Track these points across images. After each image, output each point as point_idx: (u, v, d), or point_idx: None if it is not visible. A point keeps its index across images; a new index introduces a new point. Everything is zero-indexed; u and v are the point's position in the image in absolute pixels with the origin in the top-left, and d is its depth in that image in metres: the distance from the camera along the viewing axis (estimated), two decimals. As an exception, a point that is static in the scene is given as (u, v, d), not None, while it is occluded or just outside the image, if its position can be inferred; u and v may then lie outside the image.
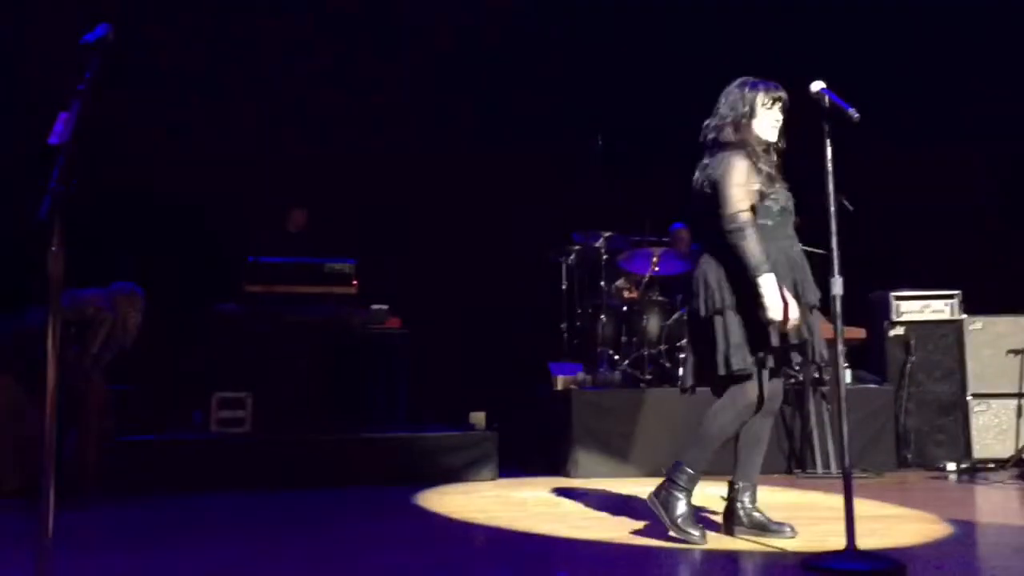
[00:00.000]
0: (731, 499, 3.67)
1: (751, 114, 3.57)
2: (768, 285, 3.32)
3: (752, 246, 3.36)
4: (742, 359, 3.42)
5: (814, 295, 3.50)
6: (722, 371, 3.41)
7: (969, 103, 7.78)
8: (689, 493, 3.55)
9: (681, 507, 3.52)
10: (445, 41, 8.23)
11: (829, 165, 3.19)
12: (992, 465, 6.50)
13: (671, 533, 3.51)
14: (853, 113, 3.20)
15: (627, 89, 8.31)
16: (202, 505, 4.94)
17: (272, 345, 6.40)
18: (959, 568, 3.18)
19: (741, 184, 3.45)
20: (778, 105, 3.60)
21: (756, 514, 3.62)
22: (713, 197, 3.50)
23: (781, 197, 3.53)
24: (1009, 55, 7.73)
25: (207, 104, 7.64)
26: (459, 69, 8.18)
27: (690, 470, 3.55)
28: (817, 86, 3.26)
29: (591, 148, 7.11)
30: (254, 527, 4.28)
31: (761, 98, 3.58)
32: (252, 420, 6.14)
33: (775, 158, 3.60)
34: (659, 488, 3.59)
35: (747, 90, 3.61)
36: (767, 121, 3.58)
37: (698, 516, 3.67)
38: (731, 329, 3.44)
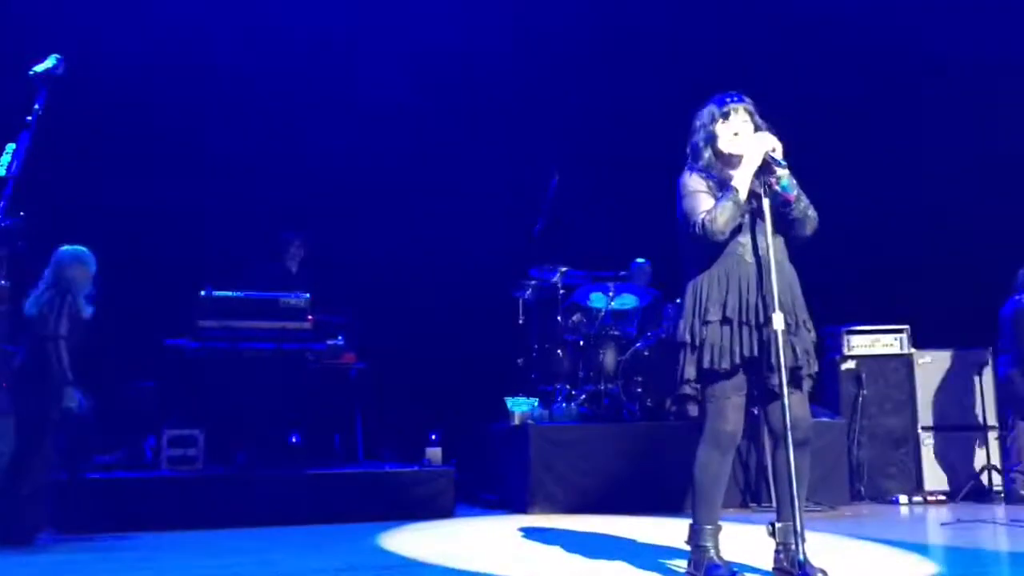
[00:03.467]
0: (775, 540, 3.44)
1: (711, 135, 3.50)
2: (742, 182, 3.31)
3: (721, 213, 3.27)
4: (690, 387, 3.37)
5: (773, 309, 3.25)
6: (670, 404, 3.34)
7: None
8: (715, 544, 3.37)
9: (711, 561, 3.33)
10: (403, 79, 8.27)
11: (766, 208, 3.27)
12: (943, 497, 6.59)
13: None
14: (784, 167, 3.32)
15: (585, 124, 8.42)
16: (152, 543, 4.82)
17: (225, 381, 6.29)
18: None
19: (691, 192, 3.40)
20: (736, 116, 3.47)
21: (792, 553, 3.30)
22: (681, 226, 3.45)
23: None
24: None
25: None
26: (416, 105, 8.21)
27: (707, 526, 3.38)
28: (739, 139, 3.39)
29: (548, 183, 7.14)
30: (206, 568, 4.17)
31: (714, 114, 3.49)
32: (204, 458, 6.03)
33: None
34: (689, 560, 3.43)
35: (703, 111, 3.54)
36: (726, 136, 3.46)
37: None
38: (686, 360, 3.39)
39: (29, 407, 4.82)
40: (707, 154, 3.50)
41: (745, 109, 3.49)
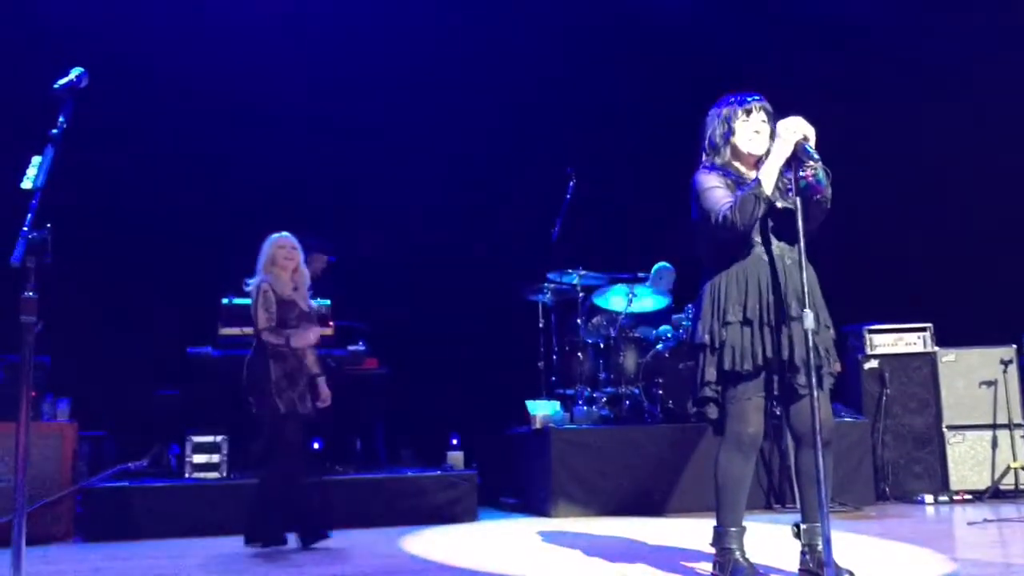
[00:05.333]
0: (800, 541, 3.41)
1: (729, 132, 3.44)
2: (769, 174, 3.24)
3: (744, 204, 3.21)
4: (702, 390, 3.36)
5: (798, 311, 3.22)
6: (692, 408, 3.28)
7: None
8: (740, 546, 3.34)
9: (737, 563, 3.31)
10: (421, 83, 8.30)
11: (799, 205, 3.20)
12: (969, 496, 6.54)
13: None
14: (818, 160, 3.24)
15: (603, 125, 8.42)
16: (176, 552, 4.86)
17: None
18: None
19: (710, 187, 3.34)
20: (756, 115, 3.42)
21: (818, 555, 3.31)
22: (698, 225, 3.41)
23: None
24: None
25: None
26: (434, 110, 8.24)
27: (732, 528, 3.35)
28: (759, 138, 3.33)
29: (566, 183, 7.14)
30: (232, 573, 4.20)
31: (736, 111, 3.44)
32: (227, 465, 6.08)
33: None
34: (714, 562, 3.40)
35: (721, 108, 3.49)
36: (745, 134, 3.41)
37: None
38: (706, 362, 3.36)
39: (272, 406, 4.81)
40: (726, 152, 3.45)
41: (764, 109, 3.44)
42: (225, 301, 6.13)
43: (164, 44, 7.67)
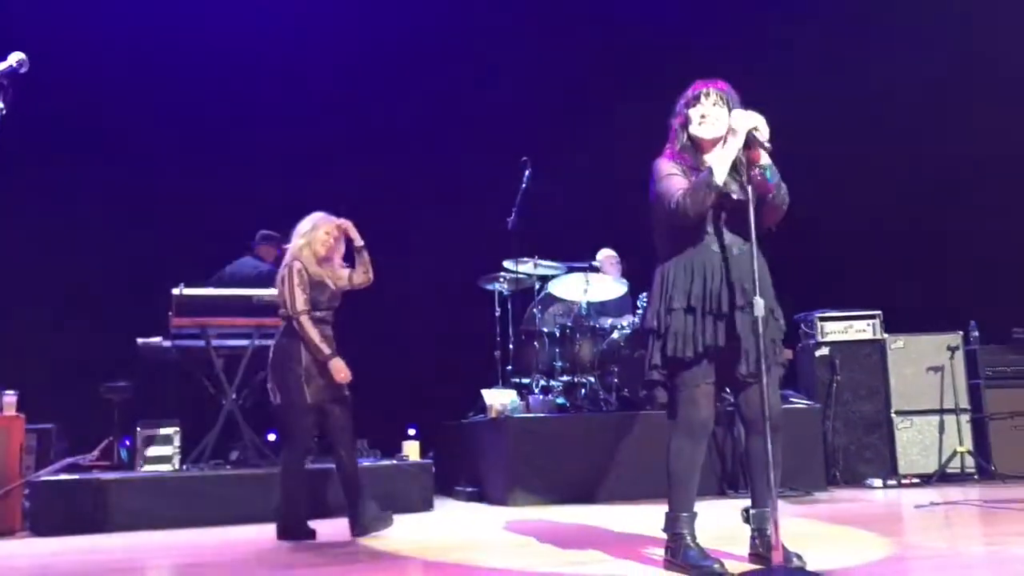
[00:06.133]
0: (750, 525, 3.43)
1: (685, 120, 3.44)
2: (720, 162, 3.22)
3: (695, 193, 3.21)
4: (657, 373, 3.37)
5: (744, 300, 3.24)
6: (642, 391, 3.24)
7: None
8: (691, 531, 3.35)
9: (688, 548, 3.32)
10: (371, 71, 8.24)
11: (750, 193, 3.22)
12: (917, 480, 6.67)
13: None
14: (766, 145, 3.24)
15: (558, 115, 8.43)
16: (126, 544, 4.80)
17: (200, 379, 6.26)
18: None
19: (666, 175, 3.35)
20: (705, 100, 3.41)
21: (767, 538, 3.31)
22: (654, 212, 3.41)
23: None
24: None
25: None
26: (386, 99, 8.19)
27: (683, 513, 3.37)
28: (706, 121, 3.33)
29: (520, 173, 7.12)
30: (183, 567, 4.16)
31: (687, 98, 3.45)
32: (180, 456, 6.02)
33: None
34: (666, 547, 3.41)
35: (683, 96, 3.49)
36: (695, 120, 3.41)
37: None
38: (653, 347, 3.38)
39: (298, 395, 4.69)
40: (683, 138, 3.45)
41: (717, 92, 3.42)
42: (176, 291, 6.03)
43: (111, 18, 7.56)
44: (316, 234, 4.89)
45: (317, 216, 4.96)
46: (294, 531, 4.71)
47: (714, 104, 3.42)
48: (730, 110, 3.39)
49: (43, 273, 7.12)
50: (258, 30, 8.05)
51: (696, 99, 3.44)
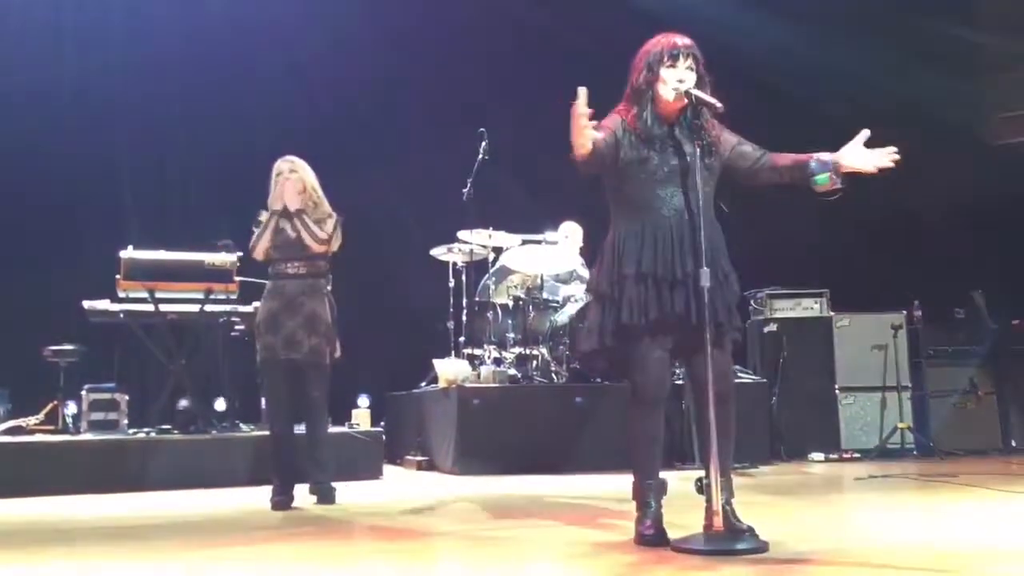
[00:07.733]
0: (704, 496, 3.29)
1: (653, 77, 3.27)
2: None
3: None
4: (595, 341, 3.34)
5: (696, 265, 3.17)
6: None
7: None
8: (656, 499, 3.32)
9: (647, 517, 3.30)
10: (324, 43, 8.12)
11: (698, 163, 3.24)
12: (858, 455, 6.83)
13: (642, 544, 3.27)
14: (717, 104, 3.19)
15: (516, 84, 8.37)
16: (68, 507, 4.75)
17: (147, 343, 6.18)
18: (825, 545, 3.27)
19: (600, 126, 3.24)
20: (684, 62, 3.26)
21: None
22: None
23: (668, 158, 3.27)
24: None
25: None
26: (340, 67, 8.09)
27: (648, 481, 3.33)
28: (683, 87, 3.22)
29: (477, 143, 7.08)
30: (125, 532, 4.12)
31: (660, 57, 3.27)
32: (126, 421, 5.95)
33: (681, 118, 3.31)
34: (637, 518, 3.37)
35: (648, 51, 3.31)
36: (670, 83, 3.25)
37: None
38: (605, 313, 3.33)
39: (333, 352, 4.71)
40: (647, 97, 3.29)
41: (693, 55, 3.30)
42: (123, 253, 5.92)
43: None
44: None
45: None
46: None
47: (689, 67, 3.29)
48: (699, 74, 3.30)
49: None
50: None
51: (674, 59, 3.27)
